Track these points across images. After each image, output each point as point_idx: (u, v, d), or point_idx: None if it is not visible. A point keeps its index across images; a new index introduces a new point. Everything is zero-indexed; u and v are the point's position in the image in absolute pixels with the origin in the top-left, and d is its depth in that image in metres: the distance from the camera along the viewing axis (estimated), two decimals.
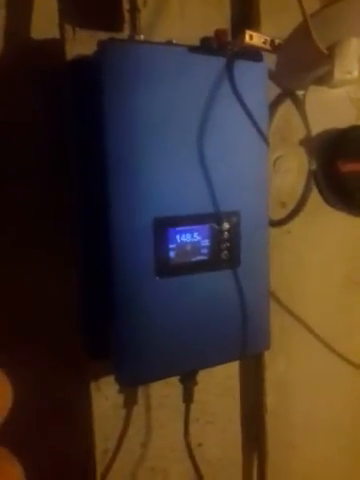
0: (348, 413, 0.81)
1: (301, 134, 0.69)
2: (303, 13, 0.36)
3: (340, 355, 0.78)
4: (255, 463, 0.76)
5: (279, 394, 0.74)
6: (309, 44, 0.36)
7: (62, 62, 0.51)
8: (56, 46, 0.52)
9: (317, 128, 0.63)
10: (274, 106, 0.63)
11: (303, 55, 0.39)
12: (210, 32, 0.51)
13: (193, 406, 0.59)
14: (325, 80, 0.48)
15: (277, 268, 0.63)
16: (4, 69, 0.50)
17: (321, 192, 0.62)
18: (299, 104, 0.57)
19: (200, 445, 0.67)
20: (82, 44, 0.52)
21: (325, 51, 0.36)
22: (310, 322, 0.74)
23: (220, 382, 0.68)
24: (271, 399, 0.73)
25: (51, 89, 0.52)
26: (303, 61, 0.40)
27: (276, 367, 0.72)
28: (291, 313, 0.72)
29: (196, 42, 0.50)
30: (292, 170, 0.70)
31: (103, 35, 0.52)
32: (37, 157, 0.52)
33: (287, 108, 0.65)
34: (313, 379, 0.77)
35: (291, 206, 0.69)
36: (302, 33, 0.38)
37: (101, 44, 0.44)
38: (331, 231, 0.74)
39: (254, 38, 0.44)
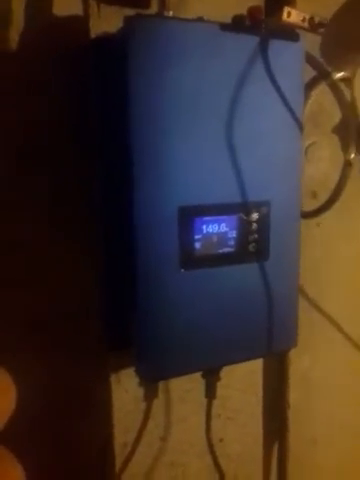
0: None
1: (335, 120, 0.65)
2: None
3: None
4: (275, 459, 0.74)
5: (302, 390, 0.72)
6: None
7: (86, 40, 0.49)
8: (80, 23, 0.49)
9: None
10: (308, 90, 0.59)
11: (354, 33, 0.36)
12: (242, 9, 0.48)
13: (215, 402, 0.57)
14: None
15: (305, 262, 0.60)
16: (25, 47, 0.48)
17: None
18: (336, 88, 0.53)
19: (221, 441, 0.66)
20: (107, 21, 0.49)
21: None
22: (337, 319, 0.71)
23: (243, 377, 0.66)
24: (294, 395, 0.71)
25: (74, 68, 0.49)
26: (354, 39, 0.36)
27: (300, 363, 0.70)
28: (318, 309, 0.69)
29: (228, 20, 0.47)
30: (325, 158, 0.66)
31: (129, 12, 0.49)
32: (59, 140, 0.50)
33: (321, 92, 0.61)
34: (337, 376, 0.75)
35: (322, 196, 0.65)
36: (354, 7, 0.34)
37: (128, 20, 0.41)
38: None
39: (292, 15, 0.41)
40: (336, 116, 0.65)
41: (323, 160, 0.67)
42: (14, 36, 0.48)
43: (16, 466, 0.22)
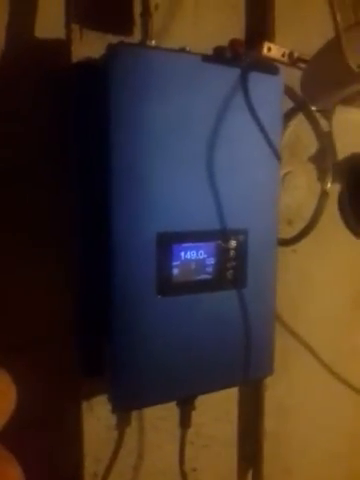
0: (347, 439, 0.78)
1: (311, 150, 0.67)
2: (336, 28, 0.34)
3: (342, 379, 0.75)
4: None
5: (278, 418, 0.71)
6: (340, 61, 0.34)
7: (67, 64, 0.49)
8: (62, 47, 0.49)
9: (342, 149, 0.60)
10: (285, 120, 0.61)
11: (333, 72, 0.37)
12: (223, 41, 0.49)
13: (188, 429, 0.56)
14: (354, 100, 0.45)
15: (281, 288, 0.60)
16: (5, 68, 0.48)
17: (344, 215, 0.58)
18: (312, 119, 0.54)
19: (194, 470, 0.64)
20: (89, 46, 0.49)
21: (357, 69, 0.34)
22: (313, 344, 0.71)
23: (217, 405, 0.65)
24: (269, 423, 0.70)
25: (54, 92, 0.49)
26: (332, 78, 0.37)
27: (276, 390, 0.69)
28: (294, 334, 0.69)
29: (208, 51, 0.48)
30: (301, 187, 0.68)
31: (112, 38, 0.49)
32: (37, 161, 0.50)
33: (298, 123, 0.62)
34: (313, 403, 0.74)
35: (298, 224, 0.66)
36: (333, 48, 0.35)
37: (111, 47, 0.41)
38: (338, 251, 0.71)
39: (272, 50, 0.42)
40: (312, 146, 0.66)
41: (299, 188, 0.68)
42: None
43: (15, 466, 0.24)
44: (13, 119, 0.48)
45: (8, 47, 0.47)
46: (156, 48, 0.45)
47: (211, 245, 0.49)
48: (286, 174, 0.65)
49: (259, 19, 0.59)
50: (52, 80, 0.49)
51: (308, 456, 0.76)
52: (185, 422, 0.54)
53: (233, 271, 0.51)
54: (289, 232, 0.62)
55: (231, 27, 0.59)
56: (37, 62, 0.48)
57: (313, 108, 0.53)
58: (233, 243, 0.50)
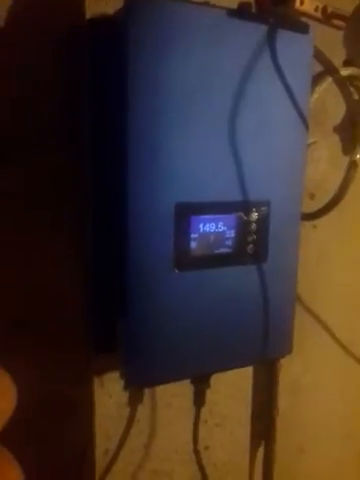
0: None
1: (336, 120, 0.63)
2: None
3: (358, 360, 0.73)
4: (261, 467, 0.72)
5: (292, 397, 0.70)
6: None
7: (81, 21, 0.45)
8: (74, 2, 0.46)
9: None
10: (312, 86, 0.57)
11: None
12: None
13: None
14: None
15: (300, 265, 0.58)
16: (15, 27, 0.44)
17: None
18: (343, 86, 0.51)
19: (207, 448, 0.63)
20: (105, 1, 0.45)
21: None
22: (330, 324, 0.69)
23: (231, 382, 0.63)
24: (284, 402, 0.68)
25: (68, 52, 0.46)
26: None
27: (292, 369, 0.68)
28: (312, 313, 0.67)
29: (232, 6, 0.44)
30: (324, 159, 0.64)
31: None
32: (48, 125, 0.47)
33: (325, 90, 0.59)
34: (328, 383, 0.73)
35: (320, 198, 0.63)
36: None
37: (128, 1, 0.37)
38: None
39: (305, 3, 0.38)
40: (338, 115, 0.63)
41: (322, 161, 0.65)
42: (1, 12, 0.44)
43: (15, 466, 0.22)
44: (22, 82, 0.45)
45: (16, 4, 0.44)
46: (178, 1, 0.41)
47: (231, 217, 0.47)
48: (310, 144, 0.61)
49: None
50: (64, 39, 0.45)
51: (321, 435, 0.75)
52: (199, 400, 0.53)
53: (254, 245, 0.48)
54: (311, 206, 0.60)
55: None
56: (48, 20, 0.45)
57: (345, 72, 0.50)
58: (254, 215, 0.47)
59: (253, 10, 0.44)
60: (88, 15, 0.46)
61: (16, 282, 0.48)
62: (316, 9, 0.40)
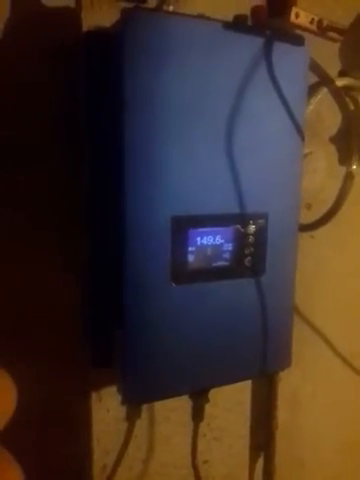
0: None
1: (332, 130, 0.63)
2: None
3: (357, 371, 0.73)
4: None
5: (291, 410, 0.69)
6: None
7: (77, 33, 0.45)
8: (71, 15, 0.45)
9: None
10: (307, 97, 0.57)
11: None
12: (243, 8, 0.45)
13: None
14: None
15: (297, 275, 0.57)
16: (12, 39, 0.44)
17: None
18: (338, 96, 0.51)
19: (205, 462, 0.62)
20: (101, 14, 0.45)
21: None
22: (329, 335, 0.69)
23: (230, 396, 0.63)
24: (283, 415, 0.68)
25: (63, 63, 0.45)
26: None
27: (291, 381, 0.67)
28: (310, 324, 0.66)
29: (227, 19, 0.44)
30: (320, 169, 0.64)
31: (125, 5, 0.45)
32: (45, 138, 0.46)
33: (321, 100, 0.59)
34: (327, 395, 0.72)
35: (317, 208, 0.63)
36: None
37: (126, 12, 0.37)
38: (358, 237, 0.68)
39: (301, 16, 0.38)
40: (334, 126, 0.63)
41: (319, 171, 0.65)
42: None
43: (15, 466, 0.22)
44: (20, 93, 0.45)
45: (14, 16, 0.44)
46: (174, 14, 0.41)
47: (229, 230, 0.46)
48: (306, 155, 0.61)
49: None
50: (61, 51, 0.45)
51: (320, 448, 0.74)
52: (198, 415, 0.52)
53: (251, 258, 0.48)
54: (308, 216, 0.59)
55: None
56: (45, 32, 0.45)
57: (340, 83, 0.50)
58: (252, 228, 0.47)
59: (249, 23, 0.44)
60: (85, 28, 0.46)
61: (13, 295, 0.47)
62: (311, 22, 0.40)
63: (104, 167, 0.44)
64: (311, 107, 0.57)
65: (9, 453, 0.23)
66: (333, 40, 0.44)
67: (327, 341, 0.69)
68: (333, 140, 0.61)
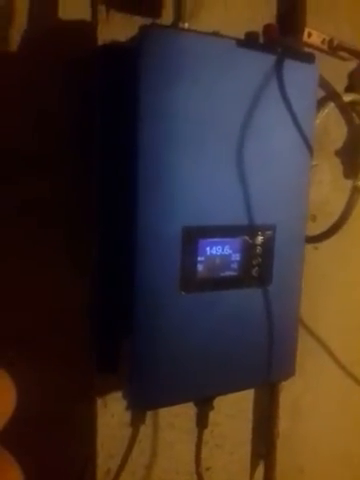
0: None
1: (338, 144, 0.64)
2: None
3: (358, 380, 0.73)
4: None
5: (292, 418, 0.70)
6: None
7: (93, 46, 0.46)
8: (87, 29, 0.47)
9: None
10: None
11: None
12: (254, 25, 0.46)
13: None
14: None
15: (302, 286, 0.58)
16: (27, 49, 0.45)
17: None
18: (345, 111, 0.52)
19: (208, 469, 0.63)
20: (116, 28, 0.47)
21: None
22: (331, 345, 0.70)
23: (233, 403, 0.64)
24: (284, 423, 0.68)
25: (79, 77, 0.46)
26: None
27: (292, 390, 0.68)
28: (313, 334, 0.67)
29: (239, 36, 0.45)
30: (326, 182, 0.65)
31: (140, 20, 0.47)
32: (60, 147, 0.47)
33: (327, 114, 0.60)
34: (328, 404, 0.73)
35: (322, 220, 0.64)
36: None
37: (143, 29, 0.38)
38: None
39: (313, 36, 0.40)
40: (340, 140, 0.64)
41: (324, 183, 0.66)
42: (16, 37, 0.45)
43: (14, 466, 0.22)
44: (36, 105, 0.46)
45: (32, 30, 0.45)
46: (189, 31, 0.43)
47: (237, 241, 0.47)
48: (312, 167, 0.62)
49: (291, 5, 0.56)
50: (77, 64, 0.46)
51: (321, 456, 0.74)
52: (202, 422, 0.53)
53: (259, 268, 0.49)
54: (313, 228, 0.60)
55: (262, 12, 0.56)
56: (62, 45, 0.46)
57: (347, 98, 0.51)
58: (260, 239, 0.48)
59: (260, 40, 0.46)
60: (100, 41, 0.47)
61: (22, 300, 0.48)
62: (323, 41, 0.42)
63: (117, 177, 0.45)
64: (318, 121, 0.58)
65: (9, 453, 0.23)
66: (343, 59, 0.45)
67: (329, 351, 0.69)
68: (339, 153, 0.62)
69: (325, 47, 0.42)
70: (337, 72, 0.54)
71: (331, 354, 0.70)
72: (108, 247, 0.48)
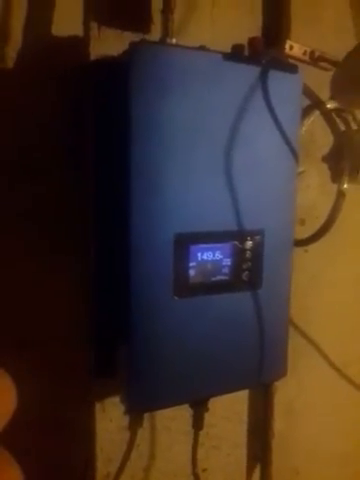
0: (356, 441, 0.78)
1: (324, 150, 0.66)
2: None
3: (351, 381, 0.75)
4: None
5: (287, 419, 0.71)
6: None
7: (85, 61, 0.48)
8: (80, 45, 0.48)
9: None
10: (300, 119, 0.60)
11: None
12: (240, 38, 0.48)
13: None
14: None
15: (292, 288, 0.60)
16: (22, 65, 0.47)
17: None
18: (329, 118, 0.54)
19: (204, 470, 0.64)
20: (107, 44, 0.48)
21: None
22: (323, 346, 0.71)
23: (228, 405, 0.65)
24: (279, 424, 0.70)
25: (72, 91, 0.48)
26: None
27: (286, 391, 0.69)
28: (304, 336, 0.69)
29: (225, 49, 0.47)
30: (313, 186, 0.67)
31: (130, 36, 0.49)
32: (53, 160, 0.49)
33: (313, 122, 0.62)
34: (322, 405, 0.74)
35: (310, 224, 0.66)
36: None
37: (133, 45, 0.40)
38: (351, 252, 0.71)
39: (294, 48, 0.42)
40: (326, 146, 0.66)
41: (311, 188, 0.67)
42: (11, 53, 0.47)
43: (14, 466, 0.23)
44: (30, 118, 0.47)
45: (26, 45, 0.47)
46: (177, 46, 0.44)
47: (227, 246, 0.49)
48: (299, 173, 0.64)
49: (275, 18, 0.58)
50: (70, 78, 0.48)
51: (316, 457, 0.76)
52: (198, 424, 0.54)
53: (249, 272, 0.50)
54: (301, 232, 0.62)
55: (247, 25, 0.58)
56: (55, 60, 0.48)
57: (330, 106, 0.53)
58: (249, 244, 0.50)
59: (246, 52, 0.47)
60: (92, 56, 0.48)
61: (20, 307, 0.49)
62: (304, 53, 0.43)
63: (111, 187, 0.47)
64: (304, 128, 0.60)
65: (9, 454, 0.23)
66: (325, 69, 0.47)
67: (321, 352, 0.71)
68: (325, 159, 0.64)
69: (307, 58, 0.44)
70: (320, 80, 0.56)
71: (323, 355, 0.71)
72: (103, 254, 0.50)
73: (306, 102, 0.59)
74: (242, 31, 0.54)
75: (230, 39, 0.48)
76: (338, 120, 0.60)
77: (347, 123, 0.57)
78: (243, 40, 0.49)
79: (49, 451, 0.52)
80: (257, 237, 0.50)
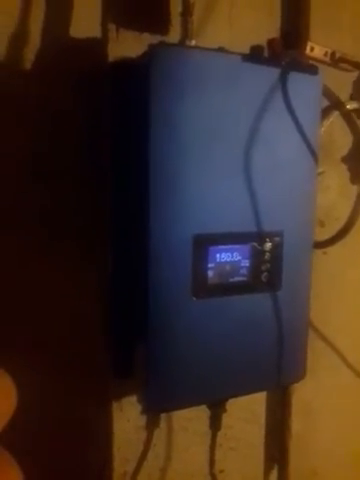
0: None
1: (344, 151, 0.66)
2: None
3: None
4: None
5: (305, 420, 0.70)
6: None
7: (104, 63, 0.48)
8: (98, 46, 0.49)
9: None
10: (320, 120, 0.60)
11: None
12: (258, 40, 0.48)
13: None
14: None
15: (312, 290, 0.59)
16: (41, 67, 0.47)
17: None
18: (349, 118, 0.53)
19: (222, 471, 0.64)
20: (125, 46, 0.49)
21: None
22: (341, 347, 0.70)
23: (246, 406, 0.65)
24: (296, 425, 0.69)
25: (91, 92, 0.49)
26: None
27: (304, 392, 0.69)
28: (322, 337, 0.68)
29: (244, 50, 0.47)
30: (333, 188, 0.67)
31: (148, 37, 0.49)
32: (71, 161, 0.49)
33: (332, 123, 0.61)
34: (340, 405, 0.74)
35: (329, 225, 0.65)
36: None
37: (152, 47, 0.40)
38: None
39: (315, 50, 0.41)
40: (345, 146, 0.65)
41: (331, 189, 0.67)
42: (30, 56, 0.47)
43: (14, 466, 0.23)
44: (48, 119, 0.48)
45: (44, 47, 0.47)
46: (196, 48, 0.45)
47: (246, 247, 0.49)
48: (319, 174, 0.64)
49: (294, 20, 0.58)
50: (88, 80, 0.48)
51: (334, 458, 0.75)
52: (216, 425, 0.54)
53: (268, 273, 0.50)
54: (321, 233, 0.61)
55: (266, 27, 0.58)
56: (73, 62, 0.48)
57: (350, 106, 0.52)
58: (268, 245, 0.50)
59: (265, 54, 0.47)
60: (110, 58, 0.49)
61: (40, 308, 0.50)
62: (325, 54, 0.43)
63: (129, 188, 0.47)
64: (323, 129, 0.60)
65: (9, 454, 0.23)
66: (345, 70, 0.47)
67: (340, 353, 0.70)
68: (345, 160, 0.64)
69: (328, 59, 0.44)
70: (340, 80, 0.56)
71: (342, 356, 0.71)
72: (122, 256, 0.50)
73: (325, 103, 0.59)
74: (260, 33, 0.54)
75: (248, 41, 0.48)
76: (358, 121, 0.60)
77: None
78: (261, 42, 0.48)
79: (66, 450, 0.53)
80: (276, 238, 0.50)
